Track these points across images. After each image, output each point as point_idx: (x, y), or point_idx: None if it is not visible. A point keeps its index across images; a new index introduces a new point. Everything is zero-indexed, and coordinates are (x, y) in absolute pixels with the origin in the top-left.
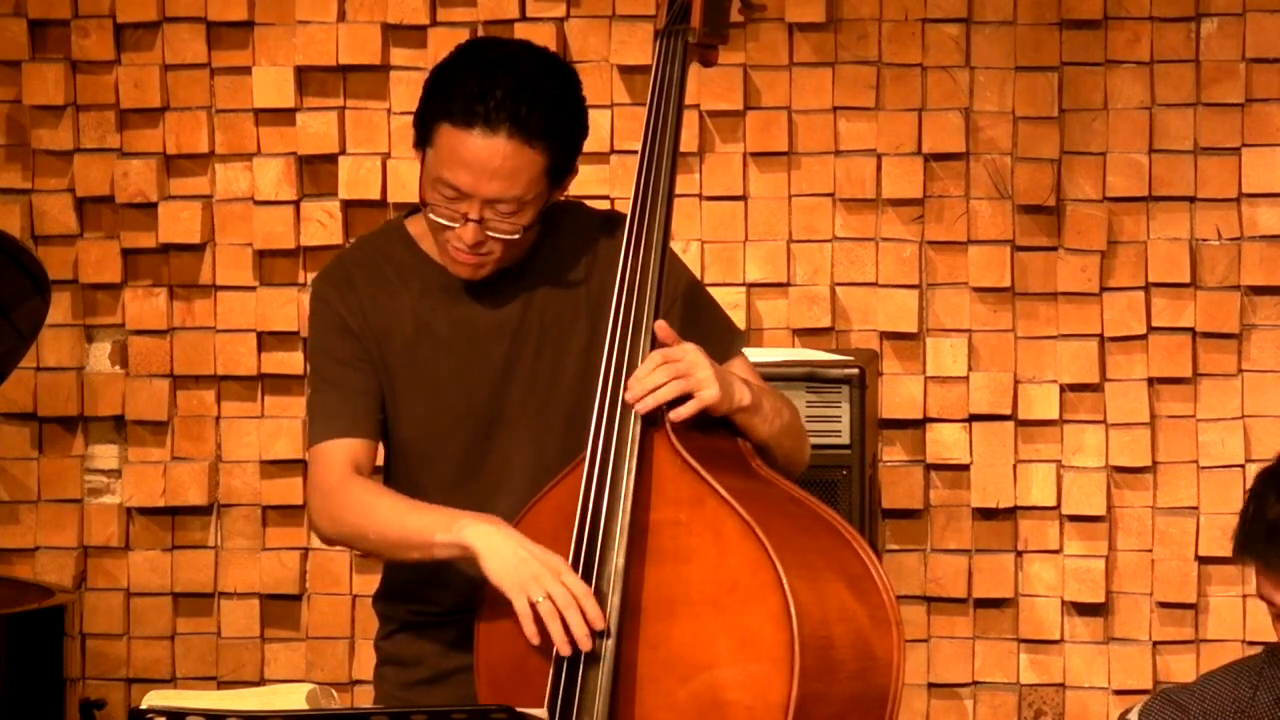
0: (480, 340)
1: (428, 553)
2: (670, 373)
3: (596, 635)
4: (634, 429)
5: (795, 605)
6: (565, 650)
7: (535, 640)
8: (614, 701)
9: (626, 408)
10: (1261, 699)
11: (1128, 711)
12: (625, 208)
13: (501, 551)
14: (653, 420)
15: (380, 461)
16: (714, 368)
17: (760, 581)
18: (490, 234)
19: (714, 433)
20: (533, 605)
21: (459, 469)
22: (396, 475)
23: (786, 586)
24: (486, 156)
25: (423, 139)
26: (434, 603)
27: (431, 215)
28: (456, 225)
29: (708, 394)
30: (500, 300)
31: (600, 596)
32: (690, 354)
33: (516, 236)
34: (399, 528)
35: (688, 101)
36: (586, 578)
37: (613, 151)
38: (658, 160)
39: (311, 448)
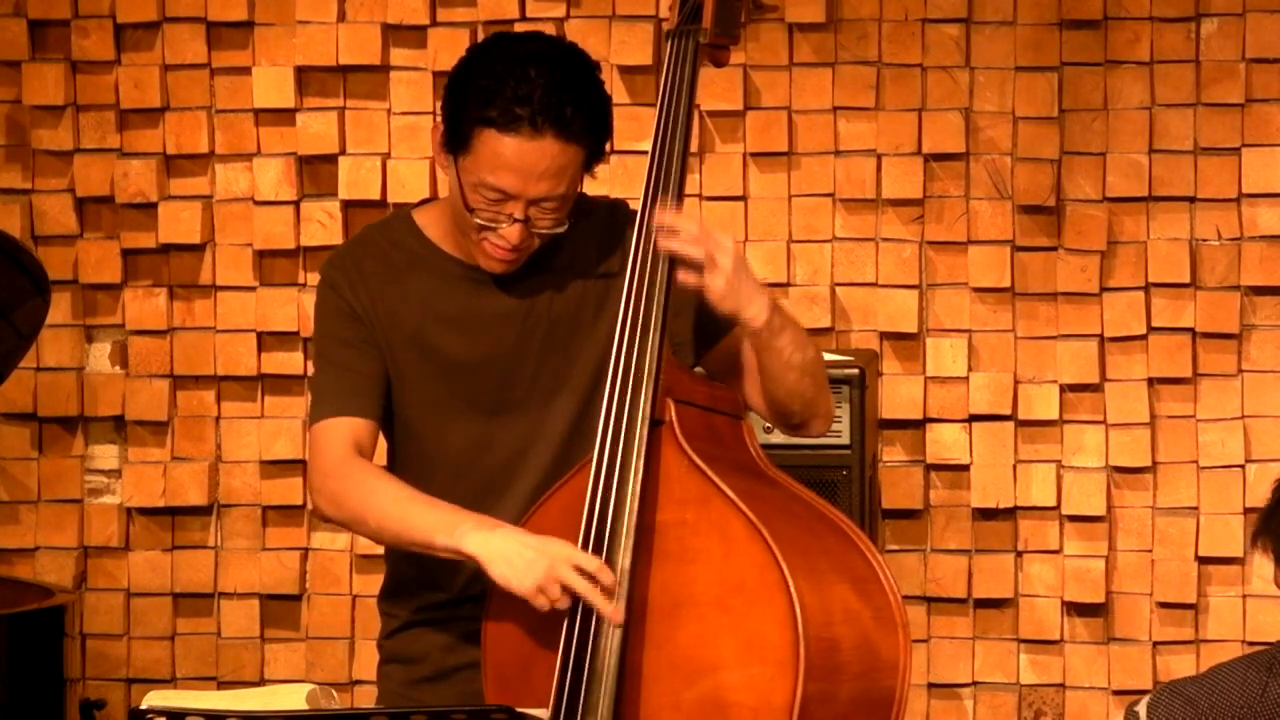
0: (489, 328)
1: (427, 550)
2: (698, 235)
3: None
4: (641, 429)
5: (800, 607)
6: (619, 619)
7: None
8: (619, 702)
9: (634, 409)
10: (1272, 693)
11: (1135, 704)
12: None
13: (507, 556)
14: (660, 420)
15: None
16: (743, 271)
17: (766, 583)
18: (535, 231)
19: (721, 433)
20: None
21: (467, 456)
22: (405, 460)
23: (792, 588)
24: (534, 159)
25: (458, 144)
26: (437, 600)
27: (477, 220)
28: (502, 226)
29: (712, 281)
30: (509, 290)
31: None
32: (728, 242)
33: (562, 229)
34: (399, 520)
35: None
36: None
37: (613, 152)
38: (668, 161)
39: (313, 426)
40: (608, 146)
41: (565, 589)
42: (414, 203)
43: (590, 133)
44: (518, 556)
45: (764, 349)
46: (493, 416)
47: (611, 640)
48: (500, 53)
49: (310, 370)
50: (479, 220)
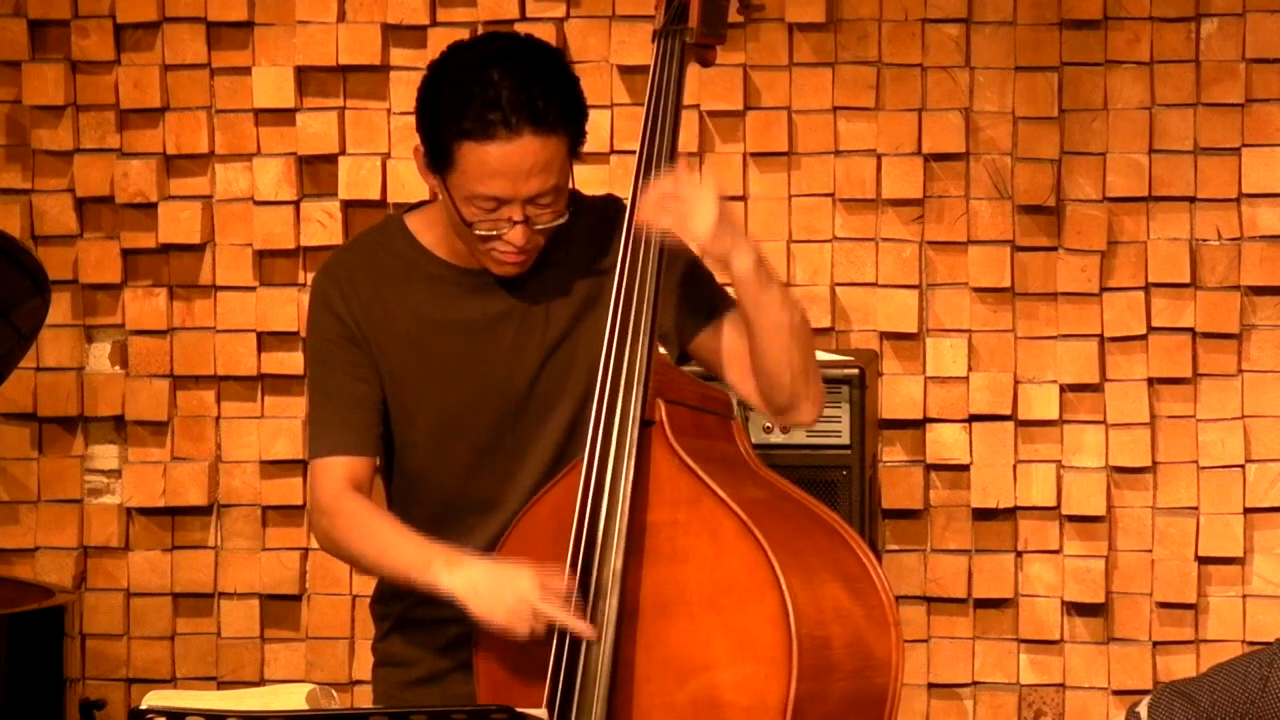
0: (488, 329)
1: (410, 586)
2: (672, 190)
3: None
4: (632, 429)
5: (792, 606)
6: (594, 636)
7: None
8: (612, 702)
9: (625, 410)
10: (1273, 687)
11: (1136, 705)
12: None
13: (477, 591)
14: (650, 421)
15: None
16: (727, 216)
17: (757, 582)
18: (537, 228)
19: (712, 432)
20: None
21: (468, 460)
22: (405, 467)
23: (783, 587)
24: (518, 159)
25: (441, 163)
26: (429, 603)
27: (478, 231)
28: (504, 232)
29: (697, 225)
30: (505, 289)
31: (598, 597)
32: (709, 190)
33: (563, 219)
34: (378, 561)
35: (687, 102)
36: (584, 578)
37: (612, 151)
38: (656, 162)
39: (311, 462)
40: (588, 127)
41: (538, 614)
42: (406, 206)
43: (567, 119)
44: (489, 591)
45: (752, 303)
46: (493, 419)
47: (604, 642)
48: (460, 61)
49: (306, 384)
50: (479, 232)
